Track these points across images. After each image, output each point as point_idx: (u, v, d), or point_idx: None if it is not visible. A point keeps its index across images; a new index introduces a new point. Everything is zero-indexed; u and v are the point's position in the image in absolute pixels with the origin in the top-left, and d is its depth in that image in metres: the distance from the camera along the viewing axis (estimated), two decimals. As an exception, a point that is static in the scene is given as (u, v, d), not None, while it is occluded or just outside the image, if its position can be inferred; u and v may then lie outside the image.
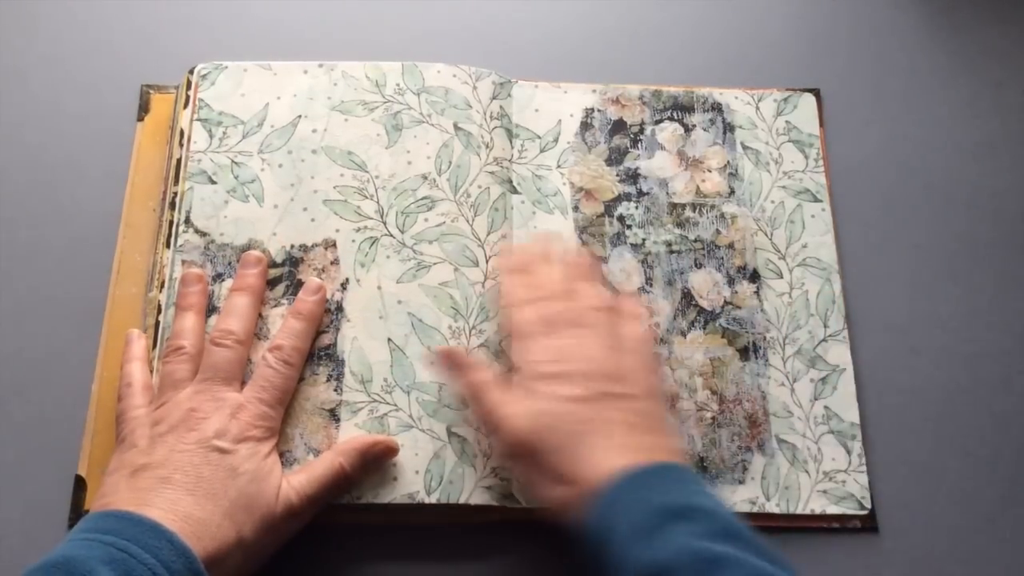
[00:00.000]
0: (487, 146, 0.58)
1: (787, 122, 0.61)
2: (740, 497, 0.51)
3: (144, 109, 0.60)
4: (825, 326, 0.56)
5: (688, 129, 0.61)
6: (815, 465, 0.52)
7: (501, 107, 0.60)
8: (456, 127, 0.58)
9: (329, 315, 0.53)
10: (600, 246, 0.57)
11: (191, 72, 0.59)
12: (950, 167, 0.62)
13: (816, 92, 0.63)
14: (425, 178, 0.56)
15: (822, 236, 0.58)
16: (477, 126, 0.58)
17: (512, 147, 0.59)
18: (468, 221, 0.56)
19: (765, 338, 0.55)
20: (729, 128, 0.61)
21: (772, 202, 0.59)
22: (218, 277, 0.54)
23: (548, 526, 0.51)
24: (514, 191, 0.58)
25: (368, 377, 0.52)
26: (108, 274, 0.55)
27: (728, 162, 0.60)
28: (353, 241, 0.55)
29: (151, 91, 0.61)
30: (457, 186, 0.57)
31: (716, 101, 0.62)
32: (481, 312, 0.54)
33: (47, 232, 0.57)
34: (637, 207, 0.58)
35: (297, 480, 0.47)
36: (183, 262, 0.54)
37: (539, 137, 0.60)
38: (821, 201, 0.59)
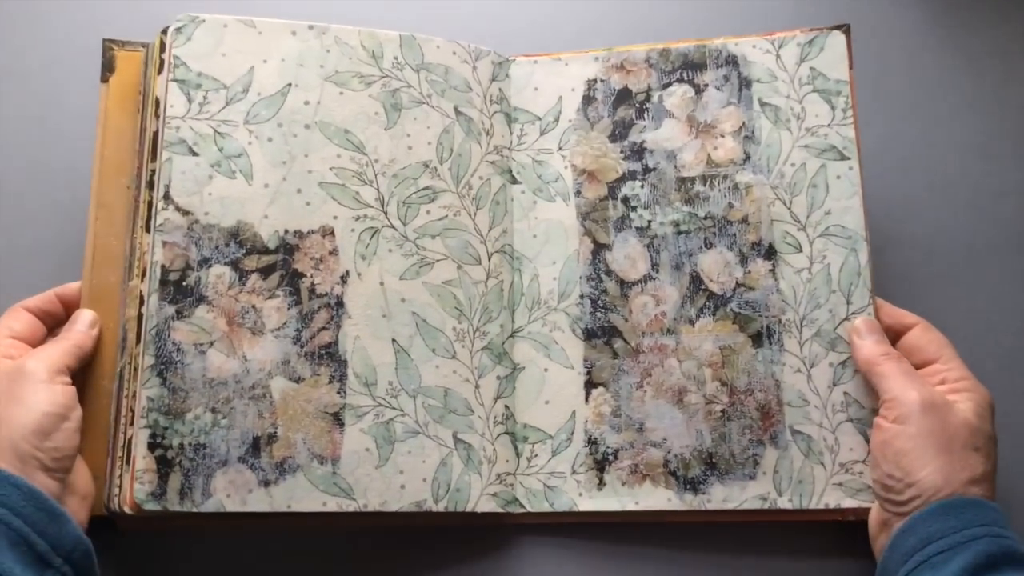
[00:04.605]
0: (487, 133, 0.56)
1: (811, 69, 0.56)
2: (750, 494, 0.50)
3: (108, 69, 0.54)
4: (848, 302, 0.52)
5: (699, 90, 0.56)
6: (831, 456, 0.50)
7: (500, 90, 0.57)
8: (457, 111, 0.55)
9: (329, 310, 0.52)
10: (603, 233, 0.55)
11: (164, 32, 0.53)
12: (951, 166, 0.59)
13: (846, 29, 0.56)
14: (426, 166, 0.54)
15: (848, 200, 0.54)
16: (478, 111, 0.56)
17: (511, 133, 0.57)
18: (470, 215, 0.55)
19: (780, 321, 0.52)
20: (745, 84, 0.56)
21: (792, 165, 0.55)
22: (204, 262, 0.51)
23: (549, 527, 0.52)
24: (513, 181, 0.56)
25: (373, 380, 0.51)
26: (81, 261, 0.53)
27: (743, 123, 0.56)
28: (353, 230, 0.53)
29: (115, 47, 0.55)
30: (459, 176, 0.55)
31: (731, 54, 0.57)
32: (484, 313, 0.53)
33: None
34: (643, 185, 0.55)
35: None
36: (164, 243, 0.50)
37: (539, 119, 0.57)
38: (849, 158, 0.54)
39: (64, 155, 0.57)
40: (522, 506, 0.51)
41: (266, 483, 0.49)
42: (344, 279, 0.52)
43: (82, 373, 0.51)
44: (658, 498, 0.51)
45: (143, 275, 0.51)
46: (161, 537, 0.53)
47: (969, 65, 0.62)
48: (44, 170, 0.57)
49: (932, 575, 0.43)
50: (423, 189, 0.54)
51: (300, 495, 0.49)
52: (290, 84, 0.54)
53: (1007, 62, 0.62)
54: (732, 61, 0.56)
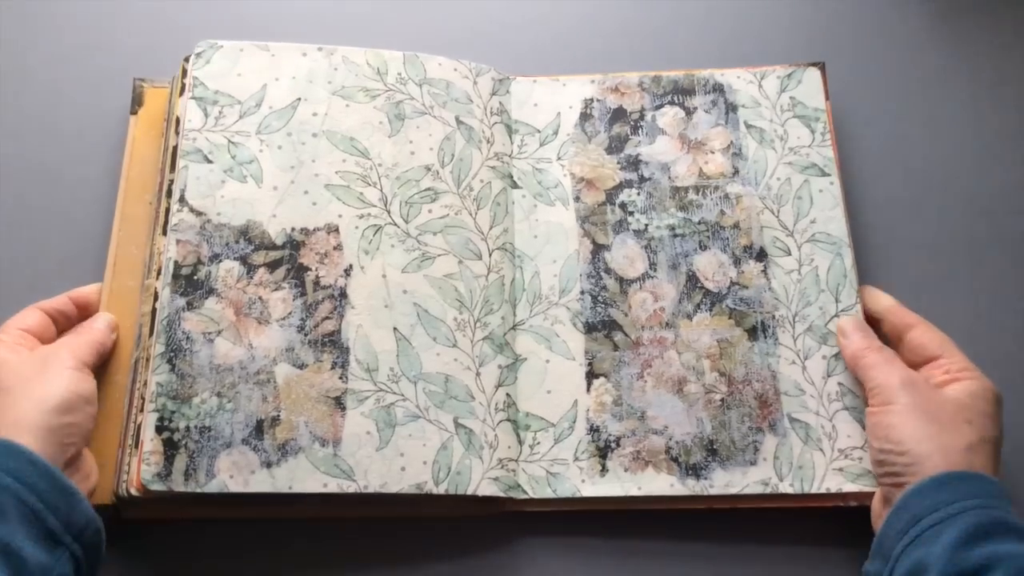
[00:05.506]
0: (488, 141, 0.58)
1: (791, 98, 0.60)
2: (752, 479, 0.50)
3: (137, 103, 0.60)
4: (837, 301, 0.55)
5: (689, 112, 0.60)
6: (830, 443, 0.51)
7: (500, 103, 0.60)
8: (458, 120, 0.58)
9: (333, 301, 0.53)
10: (603, 234, 0.57)
11: (186, 60, 0.58)
12: (951, 167, 0.62)
13: (821, 66, 0.61)
14: (428, 169, 0.57)
15: (831, 211, 0.57)
16: (478, 121, 0.59)
17: (512, 143, 0.59)
18: (471, 215, 0.56)
19: (774, 316, 0.54)
20: (732, 108, 0.60)
21: (778, 179, 0.58)
22: (215, 258, 0.53)
23: (551, 519, 0.51)
24: (514, 186, 0.58)
25: (374, 366, 0.52)
26: (103, 268, 0.55)
27: (731, 142, 0.59)
28: (356, 228, 0.55)
29: (143, 84, 0.60)
30: (460, 179, 0.57)
31: (717, 82, 0.61)
32: (485, 305, 0.54)
33: (41, 228, 0.58)
34: (639, 193, 0.58)
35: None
36: (178, 241, 0.53)
37: (538, 131, 0.60)
38: (830, 175, 0.58)
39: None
40: (525, 492, 0.51)
41: (268, 464, 0.49)
42: (347, 272, 0.54)
43: (97, 370, 0.52)
44: (660, 483, 0.51)
45: (158, 274, 0.53)
46: (163, 531, 0.52)
47: (968, 66, 0.65)
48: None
49: (925, 550, 0.43)
50: (425, 190, 0.56)
51: (302, 476, 0.49)
52: (300, 98, 0.58)
53: (1006, 62, 0.65)
54: (719, 88, 0.61)
